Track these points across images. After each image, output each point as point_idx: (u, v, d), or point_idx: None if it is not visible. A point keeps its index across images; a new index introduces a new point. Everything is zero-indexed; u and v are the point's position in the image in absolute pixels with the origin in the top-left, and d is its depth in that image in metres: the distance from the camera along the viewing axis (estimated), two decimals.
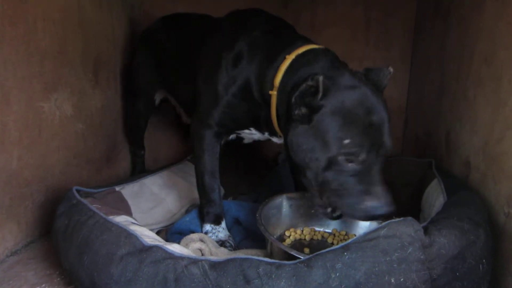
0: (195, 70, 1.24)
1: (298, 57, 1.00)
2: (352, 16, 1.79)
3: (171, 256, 0.76)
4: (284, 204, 1.16)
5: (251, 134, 1.22)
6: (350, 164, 0.85)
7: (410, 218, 0.74)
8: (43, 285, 0.92)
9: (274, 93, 1.01)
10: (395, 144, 1.82)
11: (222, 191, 1.50)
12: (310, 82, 0.86)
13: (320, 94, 0.86)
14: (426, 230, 0.74)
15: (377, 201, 0.85)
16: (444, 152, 1.32)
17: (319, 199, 0.93)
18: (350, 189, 0.87)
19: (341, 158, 0.85)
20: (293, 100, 0.90)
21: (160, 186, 1.37)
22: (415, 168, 1.31)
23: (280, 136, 1.13)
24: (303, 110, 0.89)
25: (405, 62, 1.80)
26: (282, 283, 0.67)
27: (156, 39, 1.52)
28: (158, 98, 1.61)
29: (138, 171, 1.69)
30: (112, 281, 0.75)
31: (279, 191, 1.19)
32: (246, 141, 1.29)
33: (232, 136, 1.24)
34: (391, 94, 1.82)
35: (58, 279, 0.95)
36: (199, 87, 1.21)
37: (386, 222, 0.73)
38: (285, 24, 1.21)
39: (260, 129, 1.17)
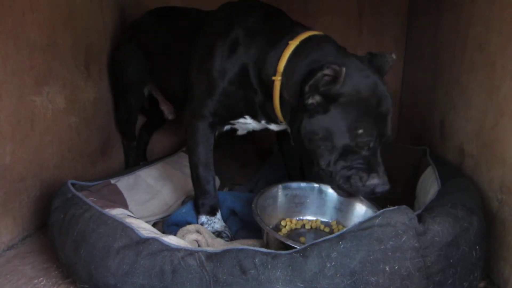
0: (187, 63, 1.23)
1: (302, 43, 1.00)
2: (345, 4, 1.77)
3: (168, 248, 0.76)
4: (279, 193, 1.16)
5: (246, 124, 1.21)
6: (360, 151, 0.93)
7: (404, 206, 0.74)
8: (41, 278, 0.93)
9: (278, 78, 1.00)
10: None
11: (218, 182, 1.51)
12: (326, 71, 0.87)
13: (339, 85, 0.88)
14: (420, 218, 0.74)
15: (379, 180, 0.94)
16: (438, 139, 1.33)
17: (331, 181, 0.98)
18: (357, 170, 0.94)
19: (354, 146, 0.92)
20: (306, 88, 0.90)
21: (156, 178, 1.37)
22: (409, 156, 1.32)
23: (280, 123, 1.13)
24: (318, 98, 0.91)
25: (399, 49, 1.79)
26: (278, 272, 0.68)
27: (145, 32, 1.50)
28: (146, 91, 1.59)
29: (132, 163, 1.69)
30: (110, 274, 0.75)
31: (274, 181, 1.19)
32: (240, 132, 1.28)
33: (227, 127, 1.24)
34: (386, 81, 1.82)
35: (56, 272, 0.95)
36: (192, 78, 1.19)
37: (381, 210, 0.74)
38: (280, 12, 1.20)
39: (256, 117, 1.16)
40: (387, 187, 0.94)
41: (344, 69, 0.87)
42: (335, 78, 0.88)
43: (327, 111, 0.91)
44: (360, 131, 0.90)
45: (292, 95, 0.98)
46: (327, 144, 0.93)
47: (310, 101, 0.91)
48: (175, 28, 1.40)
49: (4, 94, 1.01)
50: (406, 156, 1.33)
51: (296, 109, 0.97)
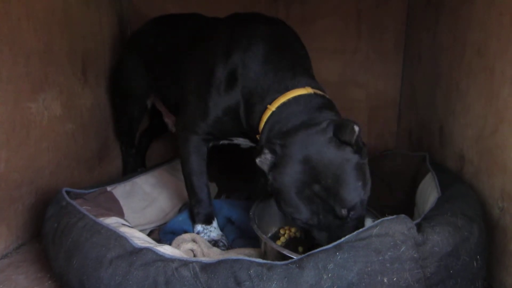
0: (185, 75, 1.22)
1: (278, 108, 0.97)
2: (343, 8, 1.76)
3: (162, 258, 0.75)
4: None
5: (246, 142, 1.21)
6: (309, 223, 0.89)
7: (403, 215, 0.73)
8: None
9: (260, 136, 1.01)
10: (389, 137, 1.84)
11: (216, 189, 1.49)
12: (257, 161, 0.88)
13: (267, 172, 0.89)
14: (419, 227, 0.73)
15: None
16: (437, 145, 1.31)
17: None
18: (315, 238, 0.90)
19: (298, 222, 0.90)
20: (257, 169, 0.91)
21: (153, 185, 1.36)
22: (409, 162, 1.31)
23: None
24: (262, 179, 0.92)
25: (398, 53, 1.78)
26: (274, 285, 0.66)
27: (147, 42, 1.48)
28: (149, 103, 1.58)
29: (130, 169, 1.67)
30: (102, 285, 0.73)
31: None
32: (243, 146, 1.27)
33: (224, 142, 1.22)
34: (384, 87, 1.81)
35: (49, 282, 0.94)
36: (187, 95, 1.18)
37: (379, 220, 0.72)
38: (287, 40, 1.14)
39: (252, 141, 1.16)
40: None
41: (258, 160, 0.87)
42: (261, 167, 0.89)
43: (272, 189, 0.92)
44: (290, 209, 0.88)
45: None
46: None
47: (262, 180, 0.93)
48: (176, 39, 1.38)
49: None
50: (405, 163, 1.32)
51: None
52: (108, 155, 1.60)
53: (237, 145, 1.27)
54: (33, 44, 1.12)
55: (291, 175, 0.86)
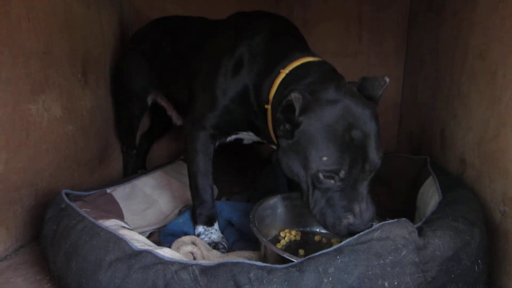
0: (192, 73, 1.22)
1: (292, 71, 0.98)
2: (345, 11, 1.76)
3: (161, 261, 0.74)
4: (279, 204, 1.14)
5: (250, 136, 1.21)
6: (331, 181, 0.84)
7: (404, 219, 0.72)
8: None
9: (269, 107, 1.01)
10: (390, 140, 1.83)
11: (216, 191, 1.49)
12: (289, 98, 0.84)
13: (297, 111, 0.84)
14: (420, 231, 0.72)
15: (357, 219, 0.84)
16: (439, 149, 1.31)
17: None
18: (333, 206, 0.86)
19: (321, 175, 0.84)
20: (277, 115, 0.88)
21: (153, 187, 1.35)
22: (410, 165, 1.30)
23: None
24: (287, 125, 0.88)
25: (399, 57, 1.78)
26: None
27: (150, 41, 1.49)
28: (150, 100, 1.58)
29: (131, 171, 1.67)
30: None
31: (273, 190, 1.18)
32: (246, 141, 1.27)
33: (230, 138, 1.22)
34: (386, 90, 1.80)
35: (48, 284, 0.93)
36: (196, 90, 1.19)
37: (380, 224, 0.72)
38: (288, 29, 1.18)
39: (258, 134, 1.17)
40: (363, 227, 0.83)
41: (295, 95, 0.82)
42: (293, 106, 0.84)
43: (293, 138, 0.87)
44: (324, 158, 0.82)
45: (275, 124, 0.97)
46: (297, 172, 0.88)
47: (281, 127, 0.89)
48: (182, 37, 1.40)
49: None
50: (407, 166, 1.31)
51: (278, 138, 0.95)
52: (108, 157, 1.60)
53: (240, 142, 1.27)
54: (33, 45, 1.12)
55: (328, 118, 0.83)
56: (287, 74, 0.99)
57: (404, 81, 1.79)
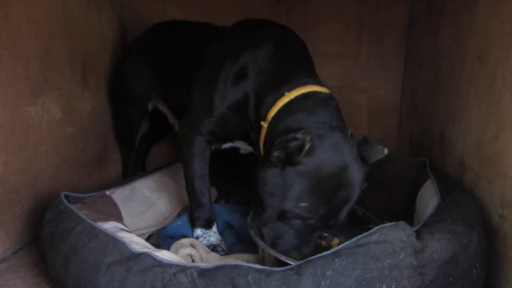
0: (193, 78, 1.22)
1: (297, 98, 0.96)
2: (345, 13, 1.77)
3: (160, 263, 0.74)
4: None
5: (245, 146, 1.20)
6: (298, 221, 0.88)
7: (402, 222, 0.72)
8: None
9: (265, 125, 1.00)
10: (389, 143, 1.83)
11: (215, 193, 1.49)
12: (299, 136, 0.84)
13: (303, 153, 0.84)
14: (418, 234, 0.72)
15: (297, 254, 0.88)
16: (438, 152, 1.31)
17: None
18: (285, 234, 0.90)
19: (292, 214, 0.87)
20: (277, 142, 0.88)
21: (152, 189, 1.35)
22: (409, 168, 1.30)
23: None
24: (282, 155, 0.87)
25: (399, 60, 1.78)
26: None
27: (152, 46, 1.49)
28: (151, 106, 1.57)
29: (130, 173, 1.67)
30: None
31: None
32: (242, 151, 1.26)
33: (226, 145, 1.22)
34: (385, 92, 1.81)
35: (47, 287, 0.93)
36: (193, 95, 1.18)
37: (378, 226, 0.72)
38: (297, 43, 1.16)
39: (251, 145, 1.16)
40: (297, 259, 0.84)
41: (308, 139, 0.83)
42: (301, 147, 0.85)
43: (283, 170, 0.87)
44: (303, 204, 0.85)
45: (267, 144, 0.97)
46: (271, 200, 0.89)
47: (275, 153, 0.88)
48: (184, 42, 1.38)
49: None
50: (405, 169, 1.31)
51: (264, 156, 0.95)
52: (108, 159, 1.60)
53: (238, 150, 1.27)
54: (33, 48, 1.12)
55: (325, 173, 0.85)
56: (291, 99, 0.96)
57: (404, 83, 1.79)
